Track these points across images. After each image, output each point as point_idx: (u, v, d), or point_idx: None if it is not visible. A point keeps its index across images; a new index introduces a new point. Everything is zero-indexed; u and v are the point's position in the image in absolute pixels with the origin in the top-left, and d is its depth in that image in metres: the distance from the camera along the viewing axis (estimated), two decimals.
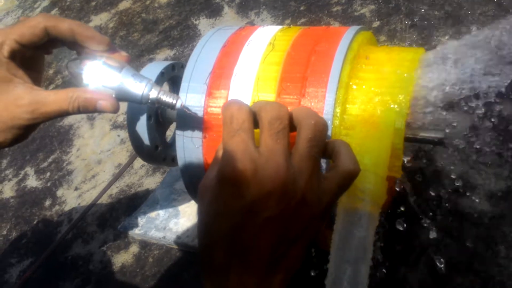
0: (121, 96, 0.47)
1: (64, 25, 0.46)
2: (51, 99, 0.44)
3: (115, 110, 0.46)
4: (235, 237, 0.34)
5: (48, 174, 1.01)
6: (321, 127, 0.36)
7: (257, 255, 0.34)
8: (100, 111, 0.46)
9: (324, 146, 0.37)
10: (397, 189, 0.53)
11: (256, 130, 0.37)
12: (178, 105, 0.47)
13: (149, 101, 0.47)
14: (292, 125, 0.37)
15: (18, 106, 0.44)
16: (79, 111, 0.45)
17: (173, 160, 0.63)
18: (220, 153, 0.37)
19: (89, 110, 0.46)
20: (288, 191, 0.34)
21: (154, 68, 0.58)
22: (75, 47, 0.48)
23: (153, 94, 0.47)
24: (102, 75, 0.46)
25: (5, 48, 0.44)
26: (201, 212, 0.37)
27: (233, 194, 0.34)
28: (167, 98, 0.47)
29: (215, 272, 0.35)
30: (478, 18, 0.84)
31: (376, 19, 0.96)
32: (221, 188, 0.35)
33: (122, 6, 1.40)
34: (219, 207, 0.35)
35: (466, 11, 0.87)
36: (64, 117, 0.47)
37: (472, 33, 0.55)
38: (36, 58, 0.49)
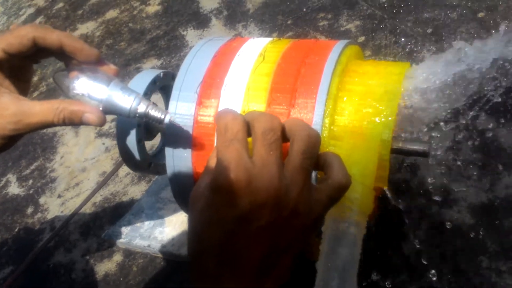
0: (109, 109, 0.46)
1: (53, 36, 0.45)
2: (36, 110, 0.43)
3: (101, 123, 0.46)
4: (227, 245, 0.35)
5: (31, 181, 1.00)
6: (314, 140, 0.37)
7: (248, 264, 0.35)
8: (86, 124, 0.45)
9: (316, 158, 0.38)
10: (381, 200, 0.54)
11: (249, 139, 0.37)
12: (166, 120, 0.46)
13: (137, 115, 0.46)
14: (284, 136, 0.38)
15: (3, 116, 0.43)
16: (64, 123, 0.45)
17: (160, 169, 0.63)
18: (213, 161, 0.38)
19: (75, 122, 0.45)
20: (280, 202, 0.34)
21: (146, 76, 0.58)
22: (63, 58, 0.48)
23: (141, 108, 0.46)
24: (89, 88, 0.45)
25: None
26: (192, 220, 0.37)
27: (226, 202, 0.34)
28: (156, 113, 0.46)
29: (205, 279, 0.36)
30: (461, 36, 0.87)
31: (361, 35, 0.98)
32: (214, 196, 0.35)
33: (109, 15, 1.40)
34: (211, 215, 0.35)
35: (449, 28, 0.90)
36: (48, 128, 0.46)
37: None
38: (24, 67, 0.49)
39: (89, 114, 0.45)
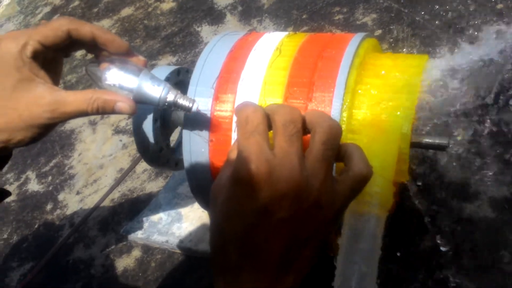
0: (139, 99, 0.47)
1: (86, 28, 0.47)
2: (71, 99, 0.45)
3: (133, 112, 0.47)
4: (248, 237, 0.35)
5: (50, 178, 1.01)
6: (335, 130, 0.36)
7: (270, 256, 0.35)
8: (118, 113, 0.47)
9: (337, 149, 0.37)
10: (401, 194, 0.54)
11: (270, 133, 0.37)
12: (194, 108, 0.48)
13: (166, 103, 0.48)
14: (305, 129, 0.37)
15: (39, 105, 0.44)
16: (97, 112, 0.46)
17: (176, 164, 0.64)
18: (233, 154, 0.38)
19: (108, 111, 0.47)
20: (302, 193, 0.34)
21: (159, 73, 0.58)
22: (94, 50, 0.49)
23: (170, 97, 0.47)
24: (120, 78, 0.47)
25: (29, 49, 0.44)
26: (214, 212, 0.37)
27: (247, 194, 0.34)
28: (184, 102, 0.48)
29: (227, 271, 0.36)
30: (479, 27, 0.85)
31: (378, 28, 0.97)
32: (235, 188, 0.35)
33: (124, 12, 1.41)
34: (232, 207, 0.35)
35: (467, 20, 0.88)
36: (82, 117, 0.47)
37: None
38: (56, 60, 0.50)
39: (121, 103, 0.46)
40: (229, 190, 0.35)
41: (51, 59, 0.49)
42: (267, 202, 0.34)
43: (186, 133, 0.53)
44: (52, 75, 0.48)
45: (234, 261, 0.35)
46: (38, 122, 0.44)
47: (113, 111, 0.47)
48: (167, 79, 0.58)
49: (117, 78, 0.47)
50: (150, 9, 1.37)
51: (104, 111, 0.46)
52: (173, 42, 1.22)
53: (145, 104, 0.48)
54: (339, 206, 0.36)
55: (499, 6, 0.88)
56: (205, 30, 1.20)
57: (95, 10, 1.48)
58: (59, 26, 0.46)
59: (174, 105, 0.48)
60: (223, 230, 0.36)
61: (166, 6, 1.35)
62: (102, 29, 0.48)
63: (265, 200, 0.34)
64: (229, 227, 0.35)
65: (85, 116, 0.47)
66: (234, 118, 0.50)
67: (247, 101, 0.39)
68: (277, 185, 0.34)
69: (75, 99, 0.45)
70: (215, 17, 1.22)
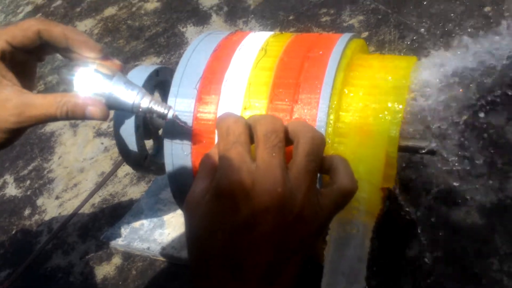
0: (112, 104, 0.45)
1: (57, 29, 0.44)
2: (38, 102, 0.43)
3: (105, 117, 0.45)
4: (231, 252, 0.33)
5: (28, 182, 0.98)
6: (318, 141, 0.35)
7: (254, 270, 0.33)
8: (89, 118, 0.44)
9: (321, 161, 0.36)
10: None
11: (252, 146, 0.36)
12: (169, 115, 0.46)
13: (140, 109, 0.45)
14: (287, 139, 0.36)
15: (5, 108, 0.42)
16: (67, 116, 0.44)
17: (159, 168, 0.62)
18: (209, 163, 0.36)
19: (78, 116, 0.44)
20: (285, 206, 0.33)
21: (137, 74, 0.56)
22: (67, 53, 0.47)
23: (145, 103, 0.45)
24: (93, 82, 0.44)
25: None
26: (192, 226, 0.35)
27: (230, 207, 0.33)
28: (159, 108, 0.46)
29: (210, 286, 0.34)
30: (467, 31, 0.84)
31: (365, 30, 0.96)
32: (217, 201, 0.33)
33: (107, 12, 1.38)
34: (214, 220, 0.33)
35: (455, 23, 0.87)
36: (51, 122, 0.45)
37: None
38: (27, 63, 0.48)
39: (92, 107, 0.44)
40: (209, 203, 0.34)
41: (22, 62, 0.46)
42: (250, 215, 0.32)
43: (167, 136, 0.51)
44: (22, 78, 0.46)
45: (216, 276, 0.33)
46: (4, 126, 0.42)
47: (83, 116, 0.44)
48: (150, 77, 0.56)
49: (90, 82, 0.44)
50: (134, 9, 1.35)
51: (74, 115, 0.44)
52: (158, 42, 1.19)
53: (118, 110, 0.46)
54: (323, 220, 0.35)
55: (487, 8, 0.87)
56: (190, 31, 1.18)
57: (78, 9, 1.45)
58: (29, 26, 0.44)
59: (149, 112, 0.46)
60: (204, 244, 0.34)
61: (150, 6, 1.33)
62: (76, 30, 0.46)
63: (248, 213, 0.32)
64: (211, 241, 0.34)
65: (54, 121, 0.45)
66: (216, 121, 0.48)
67: (228, 112, 0.38)
68: (260, 198, 0.32)
69: (43, 102, 0.43)
70: (201, 18, 1.20)
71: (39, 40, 0.44)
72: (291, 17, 1.08)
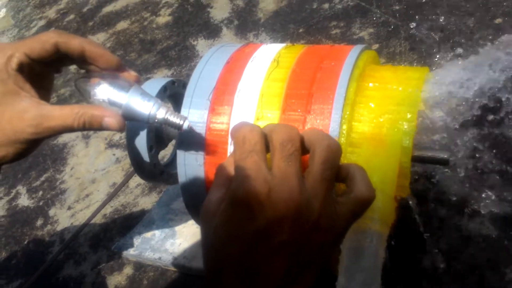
0: (128, 115, 0.46)
1: (75, 42, 0.45)
2: (56, 113, 0.43)
3: (121, 129, 0.45)
4: (247, 261, 0.33)
5: (41, 193, 0.99)
6: (335, 149, 0.35)
7: (269, 280, 0.33)
8: (106, 129, 0.45)
9: (337, 169, 0.36)
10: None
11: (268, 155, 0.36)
12: (185, 126, 0.46)
13: (156, 120, 0.46)
14: (303, 148, 0.36)
15: (23, 119, 0.42)
16: (84, 127, 0.44)
17: (171, 178, 0.62)
18: (225, 172, 0.36)
19: (95, 127, 0.45)
20: (302, 215, 0.33)
21: (153, 85, 0.57)
22: (84, 65, 0.48)
23: (161, 114, 0.46)
24: (109, 93, 0.45)
25: (14, 61, 0.43)
26: (208, 236, 0.35)
27: (245, 217, 0.33)
28: (174, 119, 0.46)
29: None
30: (478, 42, 0.84)
31: (375, 42, 0.96)
32: (233, 210, 0.33)
33: (119, 26, 1.40)
34: (230, 230, 0.34)
35: (465, 35, 0.88)
36: (67, 133, 0.45)
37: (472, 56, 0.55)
38: (45, 75, 0.49)
39: (109, 118, 0.44)
40: (224, 212, 0.34)
41: (40, 74, 0.47)
42: (267, 224, 0.32)
43: (180, 146, 0.52)
44: (40, 90, 0.46)
45: (231, 284, 0.33)
46: (22, 137, 0.42)
47: (100, 127, 0.45)
48: (164, 89, 0.57)
49: (106, 93, 0.45)
50: (145, 23, 1.36)
51: (91, 126, 0.44)
52: (169, 56, 1.21)
53: (135, 121, 0.47)
54: (339, 229, 0.35)
55: (498, 20, 0.87)
56: (201, 44, 1.19)
57: (90, 23, 1.47)
58: (47, 39, 0.44)
59: (164, 122, 0.46)
60: (220, 253, 0.34)
61: (162, 20, 1.34)
62: (93, 42, 0.46)
63: (264, 222, 0.32)
64: (227, 250, 0.34)
65: (71, 131, 0.45)
66: (231, 130, 0.49)
67: (243, 121, 0.38)
68: (276, 207, 0.32)
69: (60, 113, 0.43)
70: (211, 31, 1.21)
71: (56, 53, 0.45)
72: (301, 30, 1.08)
